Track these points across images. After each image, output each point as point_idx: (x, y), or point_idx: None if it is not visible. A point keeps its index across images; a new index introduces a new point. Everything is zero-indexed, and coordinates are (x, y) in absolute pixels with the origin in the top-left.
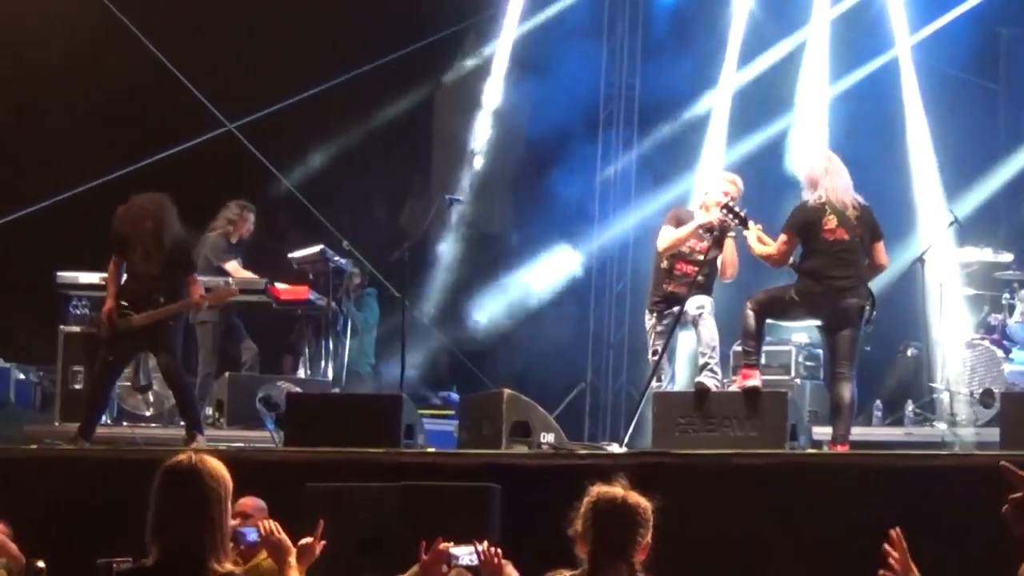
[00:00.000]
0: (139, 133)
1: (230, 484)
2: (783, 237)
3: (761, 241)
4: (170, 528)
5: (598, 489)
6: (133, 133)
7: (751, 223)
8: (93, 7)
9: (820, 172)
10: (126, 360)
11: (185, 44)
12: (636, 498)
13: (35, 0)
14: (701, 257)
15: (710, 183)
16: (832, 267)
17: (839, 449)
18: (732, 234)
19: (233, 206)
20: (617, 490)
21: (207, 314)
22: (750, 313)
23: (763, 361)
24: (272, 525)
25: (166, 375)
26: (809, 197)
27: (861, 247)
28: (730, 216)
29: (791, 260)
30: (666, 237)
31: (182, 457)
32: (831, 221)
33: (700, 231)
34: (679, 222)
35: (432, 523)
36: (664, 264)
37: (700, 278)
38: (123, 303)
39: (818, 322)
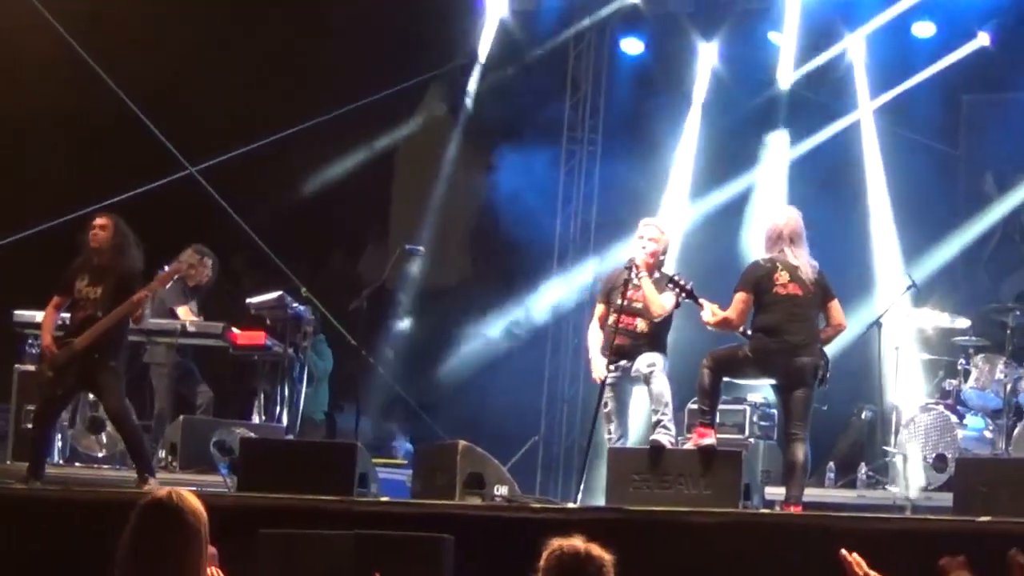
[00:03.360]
0: (100, 174)
1: (206, 524)
2: (738, 296)
3: (714, 314)
4: (146, 569)
5: (559, 542)
6: (94, 173)
7: (703, 300)
8: (58, 47)
9: (783, 231)
10: (70, 395)
11: (148, 87)
12: (598, 551)
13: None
14: (639, 305)
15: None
16: (786, 321)
17: (792, 510)
18: (644, 274)
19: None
20: (578, 543)
21: (162, 356)
22: (706, 371)
23: (717, 420)
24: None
25: (113, 419)
26: (763, 255)
27: (815, 305)
28: (676, 290)
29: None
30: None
31: (161, 494)
32: (783, 276)
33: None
34: (604, 287)
35: (385, 572)
36: (612, 319)
37: (642, 327)
38: (64, 333)
39: (772, 381)
